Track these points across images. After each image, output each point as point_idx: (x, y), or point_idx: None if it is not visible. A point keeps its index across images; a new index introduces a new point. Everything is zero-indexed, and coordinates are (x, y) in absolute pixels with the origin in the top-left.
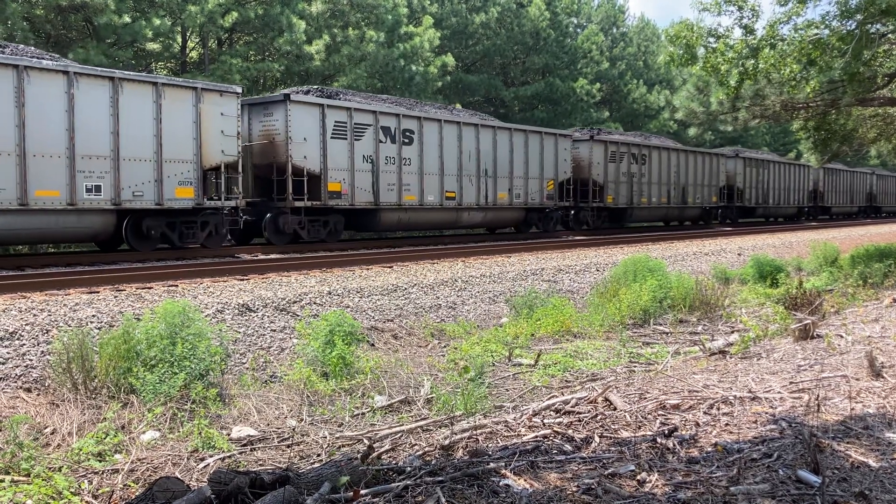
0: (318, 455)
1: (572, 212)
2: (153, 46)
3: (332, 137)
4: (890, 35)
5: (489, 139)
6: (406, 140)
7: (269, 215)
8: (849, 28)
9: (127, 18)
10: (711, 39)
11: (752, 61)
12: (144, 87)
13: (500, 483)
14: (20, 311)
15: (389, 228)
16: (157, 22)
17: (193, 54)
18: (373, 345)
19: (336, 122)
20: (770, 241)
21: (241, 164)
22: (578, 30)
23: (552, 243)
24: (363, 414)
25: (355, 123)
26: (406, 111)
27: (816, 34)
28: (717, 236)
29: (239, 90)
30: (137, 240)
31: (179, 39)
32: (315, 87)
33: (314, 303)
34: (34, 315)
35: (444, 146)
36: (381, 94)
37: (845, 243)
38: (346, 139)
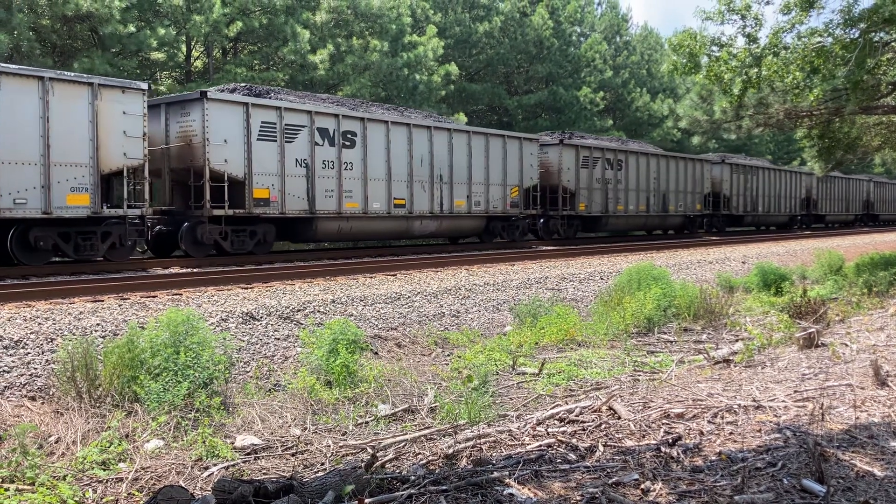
0: (322, 464)
1: (541, 220)
2: (158, 56)
3: (258, 139)
4: (894, 43)
5: (444, 142)
6: (347, 143)
7: (186, 225)
8: (852, 36)
9: (132, 28)
10: (715, 48)
11: (756, 70)
12: (28, 83)
13: (504, 492)
14: (25, 320)
15: (328, 239)
16: (161, 31)
17: (198, 63)
18: (376, 353)
19: (263, 122)
20: (775, 250)
21: (147, 168)
22: (582, 38)
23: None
24: (367, 423)
25: (286, 124)
26: (348, 111)
27: (820, 42)
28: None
29: (145, 87)
30: (25, 252)
31: (184, 49)
32: (243, 84)
33: (318, 311)
34: (39, 324)
35: (391, 149)
36: (322, 94)
37: (849, 251)
38: (275, 141)
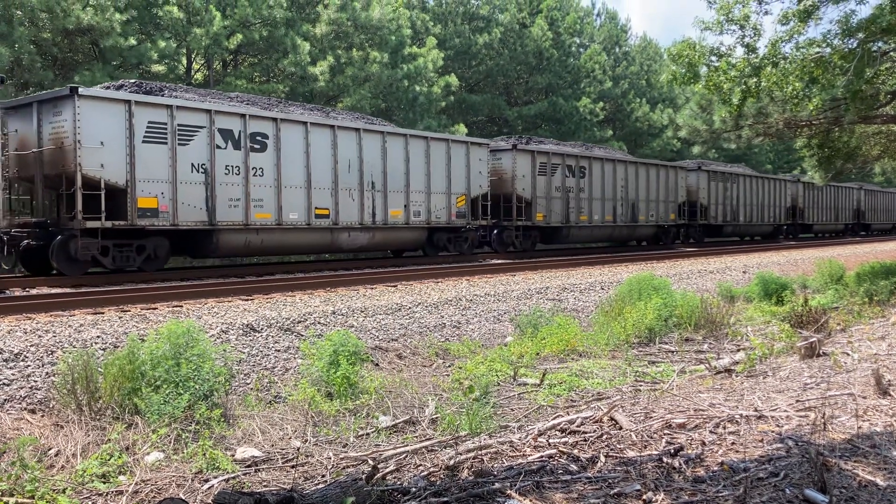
0: (323, 476)
1: (495, 231)
2: (159, 68)
3: (144, 141)
4: (892, 53)
5: (376, 146)
6: (256, 146)
7: (58, 239)
8: (850, 46)
9: (133, 41)
10: (714, 58)
11: (755, 79)
12: None
13: None
14: (25, 333)
15: (234, 253)
16: (162, 44)
17: (199, 76)
18: (377, 364)
19: (151, 122)
20: (775, 259)
21: (2, 175)
22: (581, 49)
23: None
24: (368, 434)
25: (180, 125)
26: (257, 111)
27: (818, 52)
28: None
29: None
30: None
31: (185, 61)
32: (132, 80)
33: (318, 322)
34: (39, 336)
35: (311, 153)
36: (231, 92)
37: (850, 261)
38: (165, 144)
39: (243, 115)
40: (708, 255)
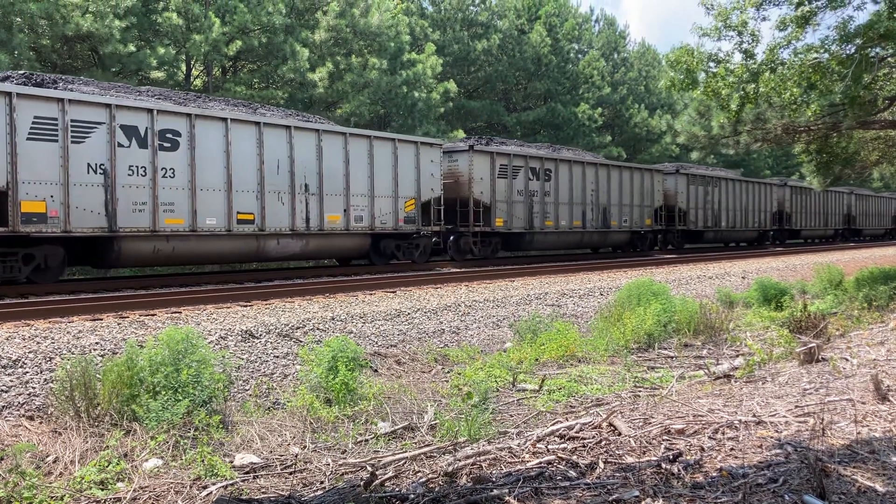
0: (322, 482)
1: (451, 238)
2: (158, 75)
3: (30, 139)
4: (890, 59)
5: (310, 145)
6: (166, 144)
7: None
8: (848, 52)
9: (132, 47)
10: (712, 64)
11: (753, 85)
12: None
13: None
14: (23, 339)
15: (141, 263)
16: (161, 51)
17: (198, 82)
18: (376, 370)
19: (38, 117)
20: (774, 265)
21: None
22: (580, 55)
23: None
24: (366, 440)
25: (73, 120)
26: (168, 106)
27: (816, 58)
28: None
29: None
30: None
31: (184, 68)
32: (20, 72)
33: (317, 328)
34: (37, 343)
35: (232, 153)
36: (142, 87)
37: (849, 266)
38: (55, 141)
39: (150, 111)
40: (707, 260)
